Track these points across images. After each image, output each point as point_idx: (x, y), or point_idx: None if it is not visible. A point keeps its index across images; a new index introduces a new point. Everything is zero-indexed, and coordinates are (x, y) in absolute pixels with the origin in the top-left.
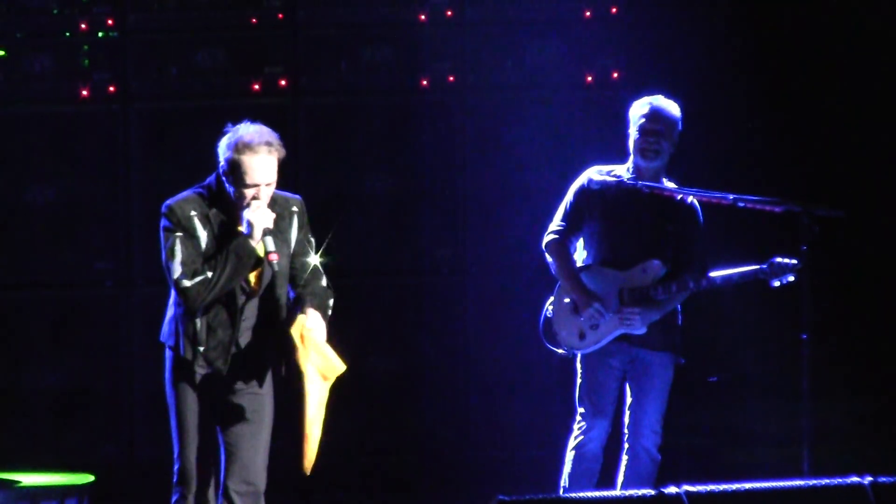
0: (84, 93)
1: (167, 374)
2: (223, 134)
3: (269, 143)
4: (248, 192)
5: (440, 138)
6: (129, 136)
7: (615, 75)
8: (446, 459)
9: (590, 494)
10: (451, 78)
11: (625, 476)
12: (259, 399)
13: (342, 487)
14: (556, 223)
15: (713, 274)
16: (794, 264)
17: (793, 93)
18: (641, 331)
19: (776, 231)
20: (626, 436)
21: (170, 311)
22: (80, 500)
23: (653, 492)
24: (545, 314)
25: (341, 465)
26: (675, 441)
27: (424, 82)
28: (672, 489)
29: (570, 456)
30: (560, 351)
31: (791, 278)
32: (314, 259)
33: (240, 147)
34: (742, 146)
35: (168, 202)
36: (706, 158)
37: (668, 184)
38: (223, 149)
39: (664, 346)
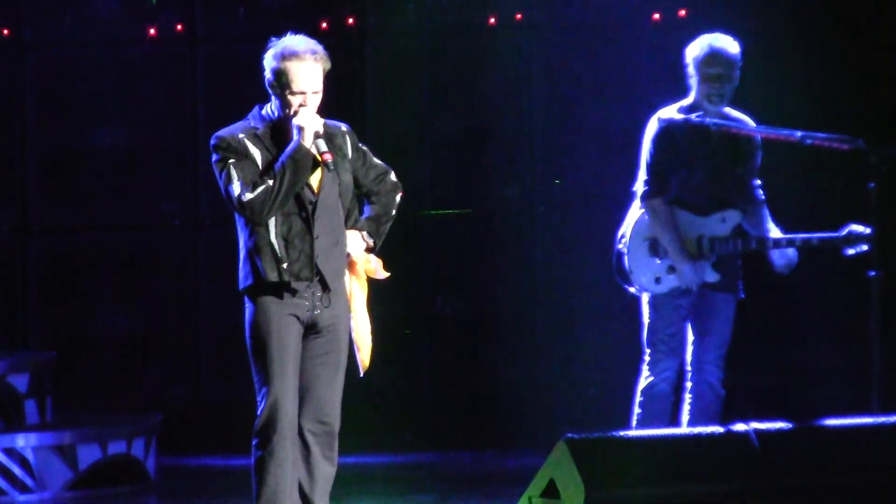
0: (152, 32)
1: (248, 320)
2: (266, 49)
3: (314, 51)
4: (295, 101)
5: (507, 77)
6: (196, 76)
7: (682, 13)
8: (515, 399)
9: (656, 432)
10: (519, 16)
11: (690, 413)
12: (337, 339)
13: (411, 428)
14: (645, 181)
15: (793, 236)
16: (868, 234)
17: (863, 29)
18: (715, 279)
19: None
20: (690, 373)
21: (241, 254)
22: (147, 439)
23: (721, 429)
24: (618, 249)
25: (410, 406)
26: (743, 379)
27: (492, 20)
28: (741, 427)
29: (641, 398)
30: (631, 289)
31: (864, 247)
32: (380, 163)
33: (286, 55)
34: (809, 83)
35: (216, 134)
36: (773, 96)
37: (733, 113)
38: (268, 60)
39: (728, 288)
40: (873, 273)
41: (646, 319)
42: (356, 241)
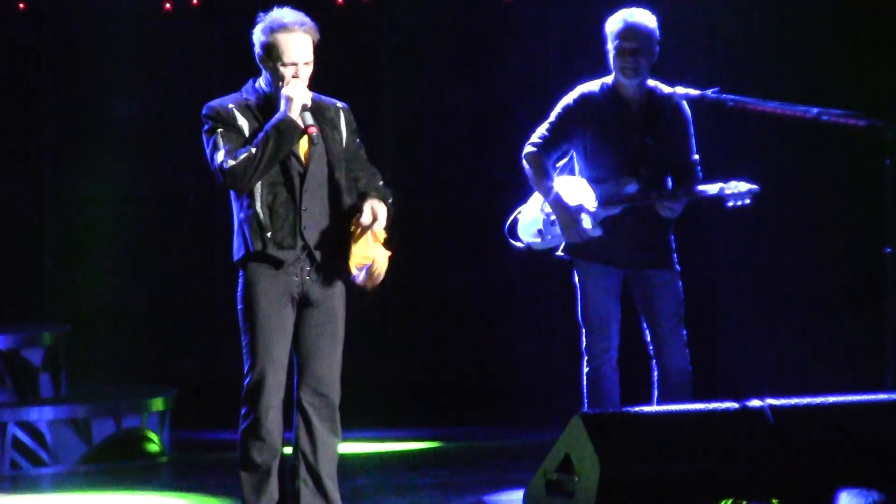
0: (167, 6)
1: (239, 293)
2: (255, 24)
3: (303, 23)
4: (287, 72)
5: (524, 50)
6: (212, 49)
7: None
8: (530, 374)
9: (671, 408)
10: None
11: (658, 396)
12: (332, 311)
13: (424, 402)
14: (537, 135)
15: (674, 188)
16: (751, 189)
17: (881, 4)
18: (597, 233)
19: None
20: (653, 356)
21: (234, 227)
22: (162, 413)
23: (736, 405)
24: (515, 217)
25: (423, 381)
26: (758, 355)
27: None
28: (756, 402)
29: (585, 384)
30: (517, 244)
31: (747, 201)
32: (369, 164)
33: (275, 28)
34: (825, 59)
35: (207, 104)
36: (788, 72)
37: (663, 87)
38: (257, 35)
39: (660, 264)
40: (889, 250)
41: (579, 298)
42: (378, 208)
